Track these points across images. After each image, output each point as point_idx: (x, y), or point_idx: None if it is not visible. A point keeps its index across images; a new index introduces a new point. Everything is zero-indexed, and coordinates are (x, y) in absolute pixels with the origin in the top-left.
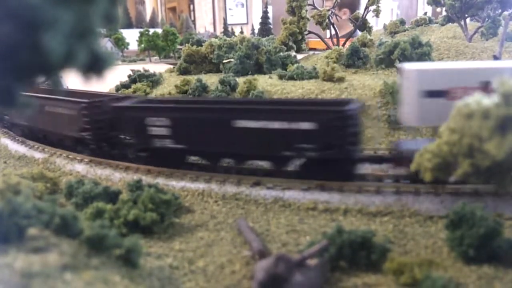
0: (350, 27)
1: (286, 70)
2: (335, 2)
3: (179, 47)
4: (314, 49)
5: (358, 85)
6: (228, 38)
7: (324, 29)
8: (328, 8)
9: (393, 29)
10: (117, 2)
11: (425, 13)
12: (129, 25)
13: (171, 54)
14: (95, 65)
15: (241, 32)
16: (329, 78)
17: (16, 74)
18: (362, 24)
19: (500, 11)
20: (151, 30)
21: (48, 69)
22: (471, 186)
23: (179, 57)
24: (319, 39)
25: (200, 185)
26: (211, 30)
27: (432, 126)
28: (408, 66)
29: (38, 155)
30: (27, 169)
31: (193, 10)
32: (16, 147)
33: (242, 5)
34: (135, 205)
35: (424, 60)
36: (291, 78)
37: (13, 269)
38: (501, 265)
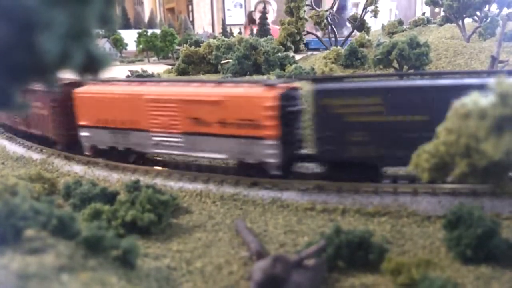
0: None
1: (284, 70)
2: (333, 2)
3: (177, 47)
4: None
5: None
6: (226, 39)
7: (322, 29)
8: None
9: (391, 29)
10: (113, 3)
11: (423, 14)
12: (128, 26)
13: (170, 55)
14: (91, 66)
15: (240, 33)
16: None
17: (11, 75)
18: (360, 25)
19: (498, 11)
20: (150, 31)
21: (44, 70)
22: (468, 186)
23: (177, 58)
24: None
25: (198, 186)
26: (210, 31)
27: None
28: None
29: (36, 156)
30: (25, 170)
31: (192, 10)
32: (14, 148)
33: (241, 5)
34: (132, 206)
35: (422, 60)
36: (289, 78)
37: (9, 270)
38: (498, 265)
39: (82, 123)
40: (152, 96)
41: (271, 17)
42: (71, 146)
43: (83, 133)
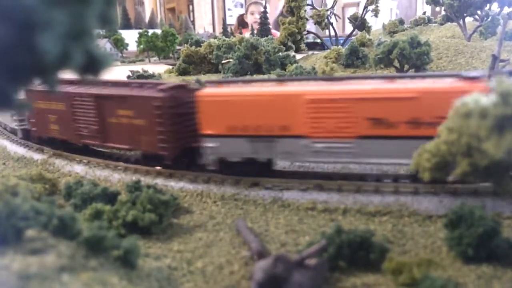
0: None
1: (285, 70)
2: (334, 2)
3: (178, 47)
4: None
5: None
6: (227, 39)
7: (323, 29)
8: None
9: (392, 28)
10: (114, 3)
11: (424, 13)
12: (128, 26)
13: (170, 55)
14: (91, 67)
15: (240, 33)
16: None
17: (11, 75)
18: (361, 24)
19: (499, 10)
20: (150, 31)
21: (44, 70)
22: (470, 186)
23: (178, 58)
24: None
25: (199, 186)
26: (210, 31)
27: None
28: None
29: (37, 156)
30: (26, 170)
31: (192, 10)
32: (15, 148)
33: (241, 5)
34: (133, 206)
35: (423, 60)
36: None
37: (10, 270)
38: (499, 265)
39: (207, 132)
40: (317, 95)
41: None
42: (179, 160)
43: (209, 144)
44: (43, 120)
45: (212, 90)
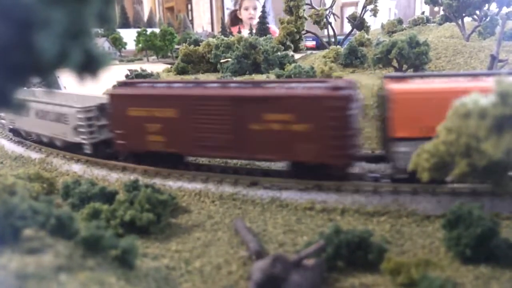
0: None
1: (283, 69)
2: (333, 1)
3: (176, 46)
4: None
5: None
6: (225, 38)
7: (321, 28)
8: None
9: (391, 28)
10: (113, 2)
11: (423, 13)
12: (127, 25)
13: (169, 54)
14: (89, 66)
15: (239, 32)
16: (327, 78)
17: (9, 74)
18: (359, 24)
19: (497, 10)
20: (149, 30)
21: (42, 70)
22: (468, 186)
23: (176, 57)
24: None
25: (197, 185)
26: (209, 30)
27: None
28: None
29: (34, 155)
30: (24, 169)
31: (191, 9)
32: (13, 147)
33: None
34: (131, 205)
35: (421, 59)
36: (289, 77)
37: (8, 270)
38: (498, 265)
39: (401, 134)
40: None
41: (257, 15)
42: (346, 170)
43: (401, 149)
44: (138, 130)
45: (409, 86)
